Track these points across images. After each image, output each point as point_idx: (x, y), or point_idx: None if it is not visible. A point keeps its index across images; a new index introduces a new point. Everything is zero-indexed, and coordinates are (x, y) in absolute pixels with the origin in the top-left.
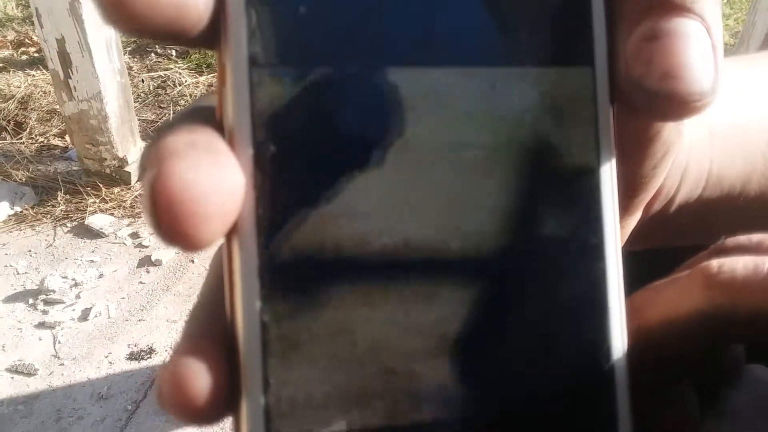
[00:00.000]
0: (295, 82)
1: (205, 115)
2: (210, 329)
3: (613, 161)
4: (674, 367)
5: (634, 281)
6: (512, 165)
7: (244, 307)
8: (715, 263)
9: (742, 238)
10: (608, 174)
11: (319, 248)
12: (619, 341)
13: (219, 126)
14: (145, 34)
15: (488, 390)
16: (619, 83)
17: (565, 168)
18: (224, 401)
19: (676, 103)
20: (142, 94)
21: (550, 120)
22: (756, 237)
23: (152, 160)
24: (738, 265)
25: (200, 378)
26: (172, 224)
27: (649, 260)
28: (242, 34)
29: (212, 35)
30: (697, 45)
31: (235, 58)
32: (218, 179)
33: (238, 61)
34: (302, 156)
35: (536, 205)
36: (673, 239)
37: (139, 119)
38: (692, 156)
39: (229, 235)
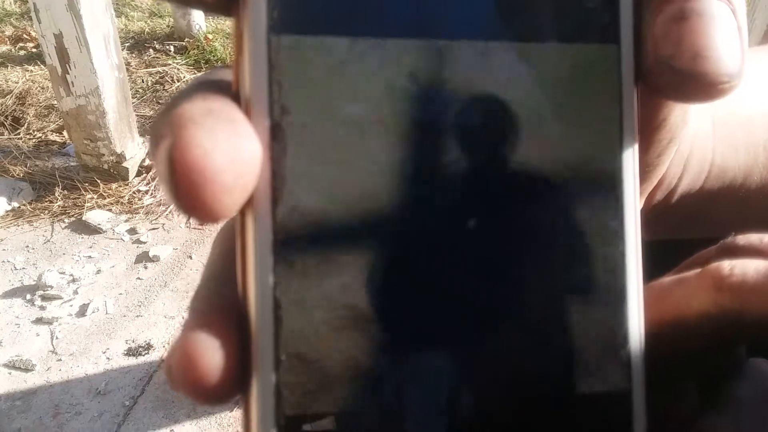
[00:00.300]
0: (314, 50)
1: (219, 85)
2: (220, 305)
3: (636, 144)
4: (680, 365)
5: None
6: (530, 142)
7: (257, 282)
8: (726, 265)
9: (754, 237)
10: (630, 154)
11: (337, 223)
12: (636, 332)
13: (235, 96)
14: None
15: (503, 378)
16: (647, 63)
17: (587, 148)
18: (236, 378)
19: (705, 84)
20: (140, 90)
21: (573, 97)
22: (767, 237)
23: (168, 127)
24: (750, 268)
25: (211, 354)
26: (191, 194)
27: (651, 253)
28: (261, 1)
29: (230, 2)
30: (725, 26)
31: (253, 25)
32: (237, 149)
33: (257, 28)
34: (321, 127)
35: (555, 183)
36: (675, 231)
37: (137, 115)
38: (695, 146)
39: (243, 208)
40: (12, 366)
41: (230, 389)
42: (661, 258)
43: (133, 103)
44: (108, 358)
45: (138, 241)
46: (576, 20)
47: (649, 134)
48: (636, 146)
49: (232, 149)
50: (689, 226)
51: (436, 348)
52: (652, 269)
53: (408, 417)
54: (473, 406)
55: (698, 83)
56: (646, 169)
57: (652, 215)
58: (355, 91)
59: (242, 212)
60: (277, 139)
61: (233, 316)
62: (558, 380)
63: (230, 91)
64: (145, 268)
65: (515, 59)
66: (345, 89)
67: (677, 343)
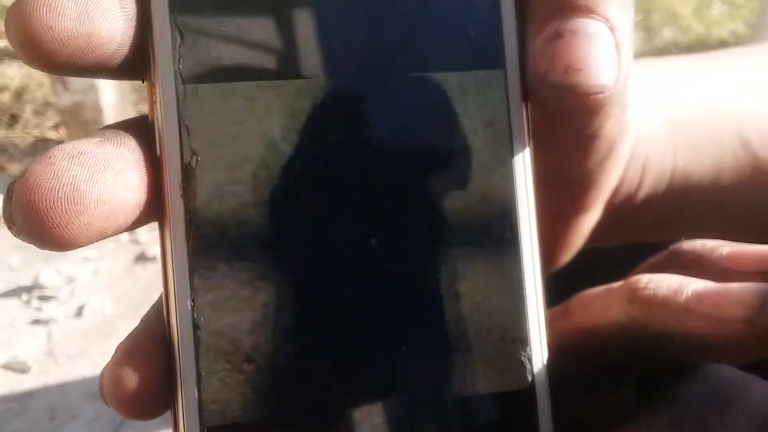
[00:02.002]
0: (217, 96)
1: (134, 124)
2: (149, 330)
3: (526, 158)
4: (602, 369)
5: (613, 279)
6: (423, 168)
7: (177, 304)
8: (645, 278)
9: (698, 243)
10: (522, 171)
11: (247, 250)
12: (537, 343)
13: (148, 136)
14: (68, 71)
15: (405, 382)
16: (528, 80)
17: (478, 168)
18: (161, 395)
19: (578, 95)
20: (139, 87)
21: (461, 122)
22: (710, 243)
23: (28, 166)
24: (663, 284)
25: (136, 375)
26: (23, 224)
27: (627, 257)
28: (168, 56)
29: (139, 65)
30: (598, 42)
31: (162, 78)
32: (80, 192)
33: (166, 81)
34: (228, 165)
35: (449, 207)
36: (645, 235)
37: (136, 112)
38: (653, 149)
39: (162, 238)
40: (8, 368)
41: (157, 405)
42: (632, 262)
43: (132, 100)
44: (105, 360)
45: (136, 241)
46: (460, 48)
47: (585, 143)
48: (527, 160)
49: (74, 192)
50: (660, 230)
51: (350, 357)
52: (622, 274)
53: (324, 426)
54: (381, 410)
55: (572, 95)
56: (590, 177)
57: (617, 218)
58: (257, 130)
59: (162, 245)
60: (187, 178)
61: (159, 339)
62: (461, 383)
63: (145, 130)
64: (144, 268)
65: (408, 90)
66: (248, 129)
67: (595, 350)
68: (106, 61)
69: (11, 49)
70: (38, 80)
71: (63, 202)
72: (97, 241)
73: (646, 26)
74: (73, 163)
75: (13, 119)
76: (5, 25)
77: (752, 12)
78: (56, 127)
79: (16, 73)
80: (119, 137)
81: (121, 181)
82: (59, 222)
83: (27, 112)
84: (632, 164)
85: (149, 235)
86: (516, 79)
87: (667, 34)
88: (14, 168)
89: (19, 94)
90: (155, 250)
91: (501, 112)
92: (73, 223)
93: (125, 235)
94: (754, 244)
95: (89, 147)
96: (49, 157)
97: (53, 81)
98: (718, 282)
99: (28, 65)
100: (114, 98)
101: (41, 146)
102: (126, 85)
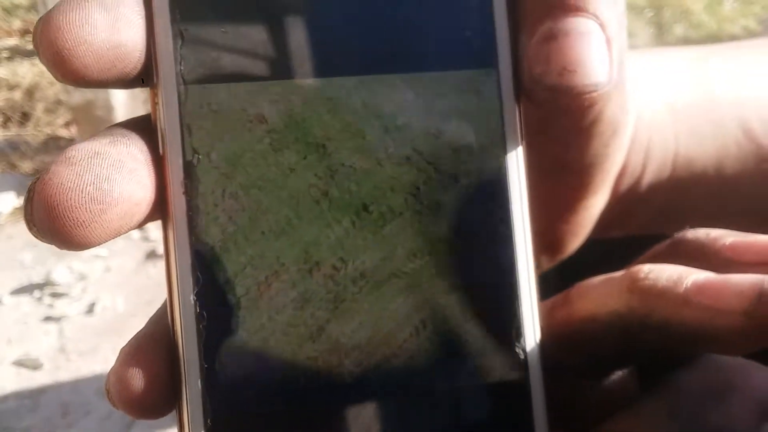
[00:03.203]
0: (220, 96)
1: (141, 125)
2: (155, 328)
3: (519, 153)
4: (601, 357)
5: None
6: (416, 165)
7: (181, 299)
8: (646, 268)
9: (701, 232)
10: (515, 168)
11: (249, 246)
12: (531, 334)
13: (152, 136)
14: (97, 83)
15: (399, 372)
16: (523, 82)
17: (472, 165)
18: (167, 394)
19: (573, 96)
20: None
21: (455, 120)
22: (714, 232)
23: (52, 161)
24: (663, 274)
25: (140, 375)
26: (44, 225)
27: (633, 249)
28: (170, 58)
29: (147, 74)
30: (591, 41)
31: (165, 81)
32: (102, 191)
33: (168, 83)
34: (230, 161)
35: (442, 203)
36: (651, 225)
37: (146, 110)
38: (654, 134)
39: (166, 234)
40: (20, 364)
41: (163, 404)
42: (637, 253)
43: (142, 98)
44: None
45: (146, 239)
46: (453, 48)
47: (589, 128)
48: (520, 155)
49: (97, 191)
50: (665, 220)
51: (348, 349)
52: (626, 264)
53: (323, 414)
54: (378, 403)
55: (567, 95)
56: (595, 160)
57: (623, 206)
58: (257, 129)
59: (166, 241)
60: (189, 175)
61: (163, 339)
62: (455, 375)
63: (148, 133)
64: (155, 265)
65: (400, 89)
66: (248, 128)
67: (593, 339)
68: (131, 71)
69: (23, 46)
70: (50, 78)
71: (87, 201)
72: (111, 239)
73: (657, 22)
74: (92, 163)
75: (25, 117)
76: (33, 38)
77: (764, 8)
78: (67, 125)
79: (28, 71)
80: (128, 137)
81: (136, 180)
82: (82, 221)
83: (38, 110)
84: (635, 148)
85: (160, 232)
86: (509, 79)
87: (679, 30)
88: (26, 165)
89: (30, 92)
90: None
91: (493, 111)
92: (95, 221)
93: (136, 233)
94: (758, 234)
95: (103, 147)
96: (69, 158)
97: None
98: (720, 272)
99: (60, 81)
100: (125, 96)
101: (52, 144)
102: None
